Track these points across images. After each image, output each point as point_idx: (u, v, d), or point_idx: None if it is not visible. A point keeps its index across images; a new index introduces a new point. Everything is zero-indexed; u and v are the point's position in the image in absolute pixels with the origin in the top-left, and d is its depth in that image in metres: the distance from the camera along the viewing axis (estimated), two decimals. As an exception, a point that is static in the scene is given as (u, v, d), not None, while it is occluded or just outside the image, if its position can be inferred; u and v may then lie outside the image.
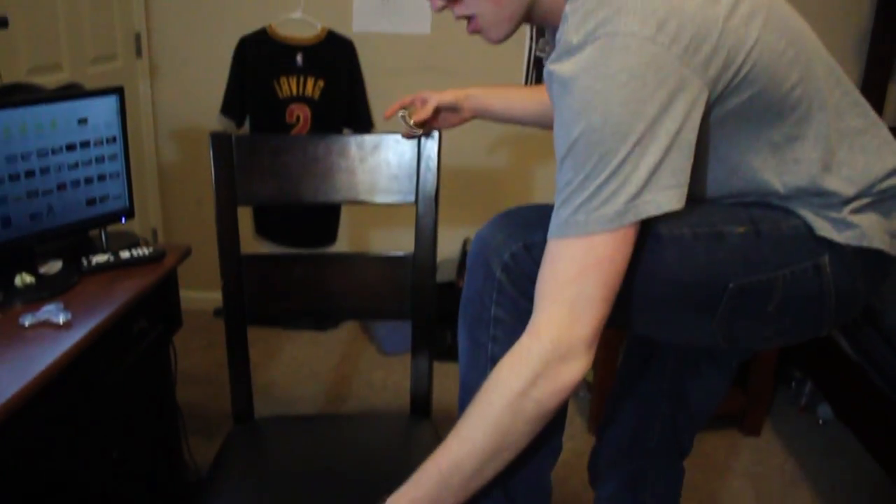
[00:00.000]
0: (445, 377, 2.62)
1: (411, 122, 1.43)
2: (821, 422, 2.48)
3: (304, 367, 2.77)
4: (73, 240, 1.72)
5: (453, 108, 1.46)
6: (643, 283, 0.97)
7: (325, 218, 3.04)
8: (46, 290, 1.48)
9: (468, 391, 1.02)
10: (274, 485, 1.34)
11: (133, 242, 1.72)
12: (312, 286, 1.52)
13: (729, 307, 0.98)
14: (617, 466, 1.30)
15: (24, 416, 1.27)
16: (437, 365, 1.57)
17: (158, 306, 1.69)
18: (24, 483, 1.58)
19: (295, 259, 1.53)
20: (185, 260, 1.72)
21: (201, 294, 2.79)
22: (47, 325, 1.36)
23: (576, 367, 0.91)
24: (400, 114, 1.45)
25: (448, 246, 2.77)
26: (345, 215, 3.05)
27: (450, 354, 2.72)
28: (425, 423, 1.53)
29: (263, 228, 3.01)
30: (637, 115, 0.85)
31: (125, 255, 1.61)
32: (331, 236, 3.06)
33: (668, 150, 0.87)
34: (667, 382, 1.24)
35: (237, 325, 1.51)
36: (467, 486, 0.96)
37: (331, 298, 1.53)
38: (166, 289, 1.71)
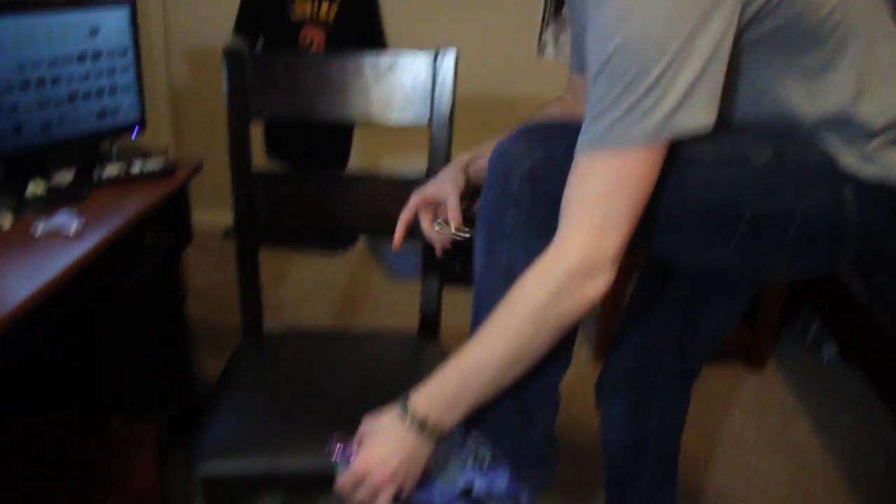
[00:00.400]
0: (454, 303, 2.63)
1: (452, 229, 1.21)
2: (825, 360, 2.50)
3: (314, 289, 2.79)
4: (85, 152, 1.71)
5: (469, 184, 1.29)
6: (665, 205, 0.96)
7: (336, 140, 3.02)
8: (58, 200, 1.48)
9: (482, 299, 1.04)
10: (281, 396, 1.36)
11: (145, 155, 1.71)
12: (323, 205, 1.51)
13: (747, 234, 0.97)
14: (624, 389, 1.31)
15: (37, 321, 1.28)
16: (445, 290, 1.58)
17: (169, 220, 1.70)
18: (40, 386, 1.62)
19: (306, 177, 1.52)
20: (196, 175, 1.72)
21: (211, 215, 2.79)
22: (59, 234, 1.36)
23: (600, 283, 0.92)
24: (437, 228, 1.23)
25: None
26: (357, 140, 3.03)
27: (459, 280, 2.73)
28: (433, 343, 1.55)
29: (275, 149, 2.99)
30: (675, 30, 0.83)
31: (136, 168, 1.61)
32: (342, 159, 3.04)
33: (704, 68, 0.85)
34: (678, 309, 1.24)
35: (247, 242, 1.51)
36: (484, 391, 0.99)
37: (341, 218, 1.52)
38: (177, 203, 1.71)
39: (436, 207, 1.24)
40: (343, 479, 1.03)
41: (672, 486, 1.40)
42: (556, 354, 1.02)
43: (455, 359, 1.00)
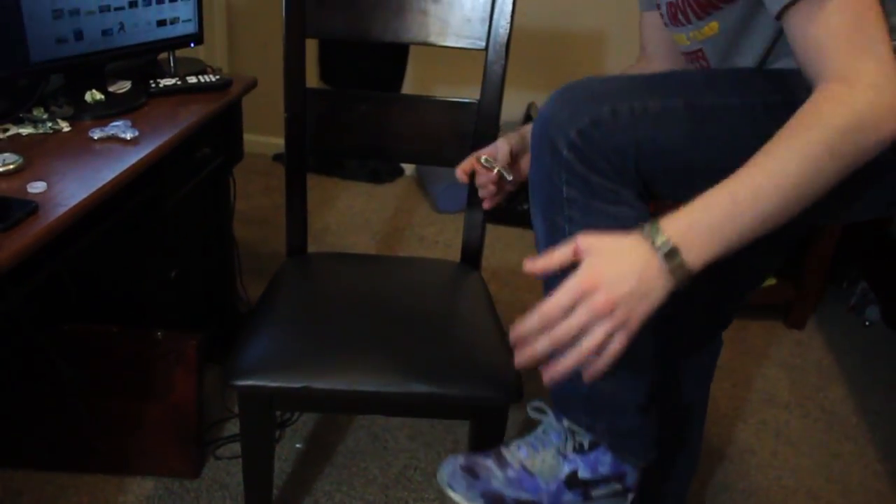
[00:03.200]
0: (496, 239, 2.65)
1: (497, 166, 1.24)
2: (867, 323, 2.46)
3: (358, 217, 2.81)
4: (143, 62, 1.73)
5: (523, 152, 1.27)
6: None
7: (390, 67, 3.00)
8: (115, 108, 1.51)
9: (549, 274, 0.94)
10: (321, 316, 1.38)
11: (200, 69, 1.73)
12: (375, 125, 1.51)
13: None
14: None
15: (91, 226, 1.32)
16: (488, 227, 1.58)
17: (221, 136, 1.72)
18: (88, 296, 1.67)
19: (359, 96, 1.52)
20: (250, 91, 1.73)
21: (262, 138, 2.82)
22: (115, 139, 1.39)
23: (893, 117, 0.84)
24: (482, 160, 1.26)
25: (511, 108, 2.72)
26: (410, 70, 3.01)
27: (503, 219, 2.74)
28: (474, 273, 1.56)
29: (328, 76, 2.99)
30: None
31: (192, 80, 1.63)
32: (396, 85, 3.03)
33: None
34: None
35: (297, 162, 1.53)
36: (754, 227, 0.85)
37: (392, 139, 1.52)
38: (230, 119, 1.73)
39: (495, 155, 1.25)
40: (558, 296, 0.83)
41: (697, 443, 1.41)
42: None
43: (724, 185, 0.85)
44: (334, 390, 1.25)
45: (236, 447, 1.73)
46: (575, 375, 0.86)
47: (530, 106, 2.88)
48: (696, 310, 1.27)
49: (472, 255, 1.58)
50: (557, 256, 0.86)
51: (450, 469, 1.09)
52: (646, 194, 1.00)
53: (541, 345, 0.84)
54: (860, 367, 2.25)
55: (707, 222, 0.84)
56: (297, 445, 1.79)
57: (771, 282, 2.34)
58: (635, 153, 0.94)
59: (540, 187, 1.02)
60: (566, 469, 1.04)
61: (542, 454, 1.05)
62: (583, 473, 1.05)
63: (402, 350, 1.30)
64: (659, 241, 0.83)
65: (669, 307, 1.08)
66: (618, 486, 1.08)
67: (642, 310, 0.83)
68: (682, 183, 0.97)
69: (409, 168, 3.16)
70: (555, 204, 0.99)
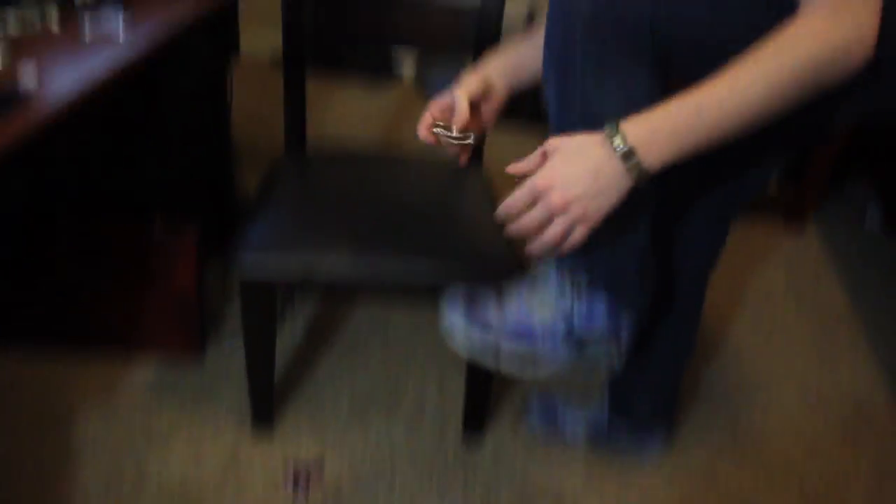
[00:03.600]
0: (499, 133, 2.62)
1: (454, 132, 1.18)
2: (867, 228, 2.47)
3: (358, 119, 2.79)
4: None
5: (486, 95, 1.23)
6: None
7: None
8: (106, 2, 1.47)
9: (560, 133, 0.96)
10: (318, 207, 1.39)
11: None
12: (374, 20, 1.50)
13: None
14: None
15: (87, 121, 1.30)
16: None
17: (217, 30, 1.69)
18: (89, 189, 1.67)
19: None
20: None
21: (259, 39, 2.76)
22: (106, 37, 1.36)
23: (864, 55, 0.87)
24: (435, 131, 1.20)
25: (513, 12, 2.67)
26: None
27: (504, 117, 2.71)
28: (476, 172, 1.55)
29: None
30: None
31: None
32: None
33: None
34: None
35: (296, 56, 1.50)
36: (711, 135, 0.89)
37: (392, 33, 1.51)
38: (226, 13, 1.69)
39: (452, 108, 1.19)
40: (518, 193, 0.93)
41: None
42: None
43: (688, 95, 0.89)
44: (336, 270, 1.27)
45: (238, 336, 1.76)
46: None
47: (531, 9, 2.82)
48: (700, 195, 1.27)
49: (474, 149, 1.56)
50: (531, 160, 0.95)
51: (451, 296, 1.12)
52: (660, 73, 0.99)
53: (512, 230, 0.95)
54: (858, 269, 2.27)
55: (669, 129, 0.88)
56: (299, 329, 1.82)
57: (773, 182, 2.34)
58: (652, 25, 0.94)
59: (554, 38, 1.00)
60: (563, 320, 1.06)
61: (540, 294, 1.07)
62: (578, 325, 1.06)
63: (403, 232, 1.32)
64: (617, 141, 0.88)
65: (669, 186, 1.10)
66: (611, 341, 1.10)
67: (600, 205, 0.91)
68: (694, 62, 0.97)
69: (408, 71, 3.11)
70: (568, 76, 0.99)
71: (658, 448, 1.55)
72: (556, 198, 0.90)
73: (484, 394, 1.53)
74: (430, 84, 2.90)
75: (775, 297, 2.11)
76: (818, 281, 2.20)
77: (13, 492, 1.40)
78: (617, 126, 0.89)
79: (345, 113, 2.84)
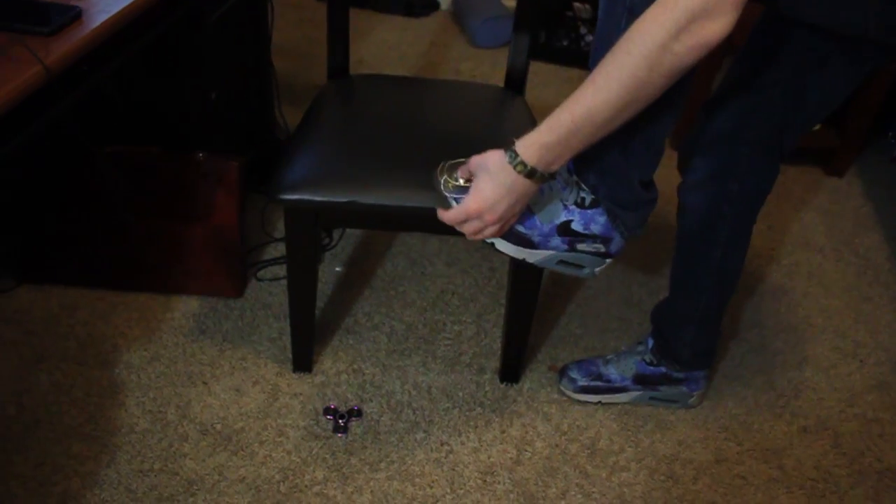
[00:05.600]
0: (535, 75, 2.58)
1: (460, 179, 1.14)
2: (909, 175, 2.42)
3: (394, 50, 2.75)
4: None
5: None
6: None
7: None
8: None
9: (603, 43, 1.03)
10: (363, 134, 1.38)
11: None
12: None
13: None
14: (712, 152, 1.28)
15: (133, 38, 1.29)
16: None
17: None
18: (130, 120, 1.66)
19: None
20: None
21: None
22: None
23: (720, 25, 0.90)
24: (442, 180, 1.16)
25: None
26: None
27: (542, 55, 2.67)
28: (518, 97, 1.53)
29: None
30: None
31: None
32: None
33: None
34: (788, 73, 1.18)
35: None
36: (594, 136, 1.01)
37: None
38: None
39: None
40: (452, 215, 1.12)
41: (741, 257, 1.42)
42: (667, 103, 1.02)
43: (565, 105, 1.00)
44: (379, 204, 1.26)
45: (278, 270, 1.77)
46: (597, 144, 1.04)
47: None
48: (756, 140, 1.25)
49: (517, 78, 1.54)
50: (453, 216, 1.12)
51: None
52: None
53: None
54: (898, 216, 2.23)
55: (554, 141, 1.02)
56: (337, 269, 1.83)
57: (815, 127, 2.29)
58: None
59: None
60: (563, 216, 1.17)
61: (546, 197, 1.16)
62: (575, 225, 1.18)
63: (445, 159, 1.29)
64: (519, 167, 1.04)
65: (737, 120, 1.21)
66: (601, 247, 1.21)
67: (517, 209, 1.11)
68: None
69: (444, 2, 3.05)
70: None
71: (699, 392, 1.56)
72: (488, 217, 1.10)
73: (520, 349, 1.54)
74: (467, 14, 2.83)
75: (814, 243, 2.09)
76: (858, 228, 2.17)
77: (67, 415, 1.44)
78: (515, 153, 1.04)
79: (381, 41, 2.80)
